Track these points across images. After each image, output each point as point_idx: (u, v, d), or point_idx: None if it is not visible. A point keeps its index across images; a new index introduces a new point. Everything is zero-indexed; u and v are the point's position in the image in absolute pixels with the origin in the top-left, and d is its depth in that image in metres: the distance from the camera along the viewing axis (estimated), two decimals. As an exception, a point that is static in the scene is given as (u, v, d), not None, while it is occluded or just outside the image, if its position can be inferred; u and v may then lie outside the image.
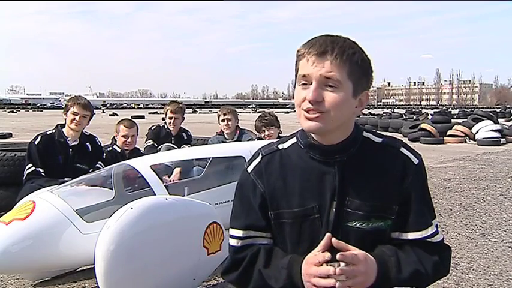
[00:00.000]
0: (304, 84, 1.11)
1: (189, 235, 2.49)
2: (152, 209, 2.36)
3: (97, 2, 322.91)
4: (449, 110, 46.12)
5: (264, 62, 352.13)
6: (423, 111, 37.99)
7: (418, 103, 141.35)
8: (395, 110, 45.86)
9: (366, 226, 1.15)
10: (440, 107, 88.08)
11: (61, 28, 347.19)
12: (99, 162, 3.65)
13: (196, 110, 57.06)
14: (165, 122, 4.75)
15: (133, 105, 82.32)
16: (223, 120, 4.29)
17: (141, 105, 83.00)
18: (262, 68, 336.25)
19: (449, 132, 14.76)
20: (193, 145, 4.82)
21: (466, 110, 44.24)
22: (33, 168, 3.42)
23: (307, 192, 1.17)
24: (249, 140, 4.21)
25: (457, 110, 48.93)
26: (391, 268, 1.13)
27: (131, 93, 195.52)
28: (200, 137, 6.06)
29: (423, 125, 15.19)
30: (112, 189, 3.02)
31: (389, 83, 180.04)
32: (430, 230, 1.18)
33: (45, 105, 73.20)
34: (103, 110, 50.62)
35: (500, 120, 20.74)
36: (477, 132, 14.26)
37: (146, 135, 4.75)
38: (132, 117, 7.28)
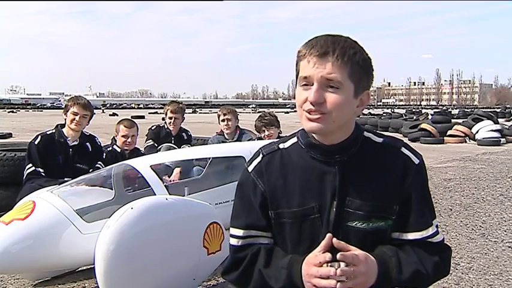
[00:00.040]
0: (305, 85, 1.11)
1: (189, 235, 2.49)
2: (152, 209, 2.36)
3: (97, 2, 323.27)
4: (449, 110, 46.13)
5: (264, 62, 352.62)
6: (423, 111, 38.00)
7: (418, 103, 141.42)
8: (395, 110, 45.89)
9: (367, 226, 1.15)
10: (440, 107, 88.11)
11: (61, 28, 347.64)
12: (99, 162, 3.65)
13: (196, 110, 57.07)
14: (165, 122, 4.75)
15: (133, 105, 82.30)
16: (223, 120, 4.29)
17: (141, 105, 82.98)
18: (262, 68, 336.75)
19: (449, 132, 14.77)
20: (193, 145, 4.82)
21: (466, 110, 44.26)
22: (33, 168, 3.42)
23: (308, 191, 1.17)
24: (249, 140, 4.21)
25: (457, 110, 48.95)
26: (392, 268, 1.13)
27: (131, 93, 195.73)
28: (200, 137, 6.07)
29: (423, 125, 15.19)
30: (112, 189, 3.02)
31: (389, 83, 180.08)
32: (430, 230, 1.18)
33: (45, 105, 73.18)
34: (103, 110, 50.62)
35: (500, 120, 20.75)
36: (477, 132, 14.27)
37: (146, 135, 4.75)
38: (132, 117, 7.29)
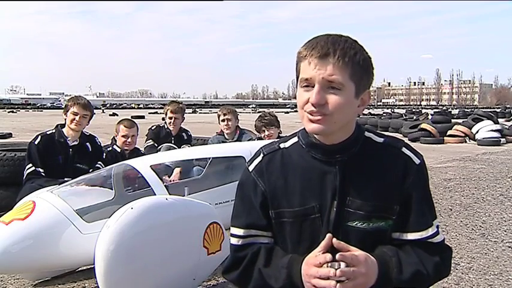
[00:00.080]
0: (306, 86, 1.11)
1: (189, 235, 2.49)
2: (152, 209, 2.36)
3: (97, 2, 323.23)
4: (449, 110, 46.14)
5: (264, 62, 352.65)
6: (423, 111, 38.01)
7: (418, 103, 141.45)
8: (395, 110, 45.90)
9: (367, 226, 1.15)
10: (440, 107, 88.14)
11: (61, 28, 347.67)
12: (99, 162, 3.65)
13: (196, 110, 57.06)
14: (165, 122, 4.75)
15: (133, 105, 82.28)
16: (223, 120, 4.29)
17: (141, 105, 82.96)
18: (262, 68, 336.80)
19: (449, 132, 14.77)
20: (193, 145, 4.82)
21: (466, 110, 44.27)
22: (33, 168, 3.42)
23: (308, 191, 1.17)
24: (249, 140, 4.21)
25: (457, 110, 48.96)
26: (392, 269, 1.13)
27: (131, 93, 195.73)
28: (200, 137, 6.07)
29: (423, 125, 15.19)
30: (112, 189, 3.02)
31: (389, 83, 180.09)
32: (430, 231, 1.18)
33: (45, 105, 73.15)
34: (103, 110, 50.61)
35: (500, 120, 20.75)
36: (477, 132, 14.27)
37: (146, 135, 4.76)
38: (132, 117, 7.29)
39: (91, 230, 2.50)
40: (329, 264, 1.06)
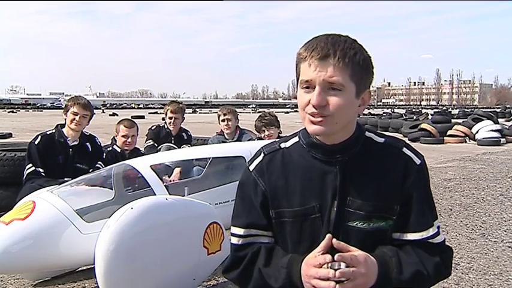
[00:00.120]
0: (307, 87, 1.11)
1: (189, 235, 2.49)
2: (152, 209, 2.36)
3: (97, 2, 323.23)
4: (449, 110, 46.15)
5: (264, 62, 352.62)
6: (423, 111, 38.00)
7: (418, 103, 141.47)
8: (395, 110, 45.89)
9: (367, 226, 1.15)
10: (440, 107, 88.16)
11: (61, 28, 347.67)
12: (99, 162, 3.65)
13: (196, 110, 57.06)
14: (165, 122, 4.75)
15: (133, 105, 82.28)
16: (223, 120, 4.29)
17: (141, 105, 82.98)
18: (262, 68, 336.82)
19: (449, 132, 14.77)
20: (193, 145, 4.82)
21: (466, 110, 44.26)
22: (33, 168, 3.42)
23: (309, 191, 1.17)
24: (249, 140, 4.21)
25: (457, 110, 48.96)
26: (392, 269, 1.12)
27: (131, 93, 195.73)
28: (200, 137, 6.07)
29: (423, 125, 15.19)
30: (112, 189, 3.02)
31: (389, 83, 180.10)
32: (431, 231, 1.18)
33: (45, 105, 73.15)
34: (103, 110, 50.61)
35: (500, 120, 20.75)
36: (477, 132, 14.27)
37: (146, 135, 4.76)
38: (132, 117, 7.29)
39: (91, 230, 2.50)
40: (329, 265, 1.06)
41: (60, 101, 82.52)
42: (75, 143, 3.59)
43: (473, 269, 3.32)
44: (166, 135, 4.66)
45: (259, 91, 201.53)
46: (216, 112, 4.69)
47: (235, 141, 4.23)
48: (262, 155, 1.25)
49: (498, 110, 39.04)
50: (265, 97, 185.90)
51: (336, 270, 1.05)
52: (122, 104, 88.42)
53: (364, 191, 1.15)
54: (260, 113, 4.52)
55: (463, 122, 16.38)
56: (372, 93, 1.23)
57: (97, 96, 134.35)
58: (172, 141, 4.57)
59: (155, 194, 2.73)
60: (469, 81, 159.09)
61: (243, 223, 1.24)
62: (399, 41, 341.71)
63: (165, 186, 2.90)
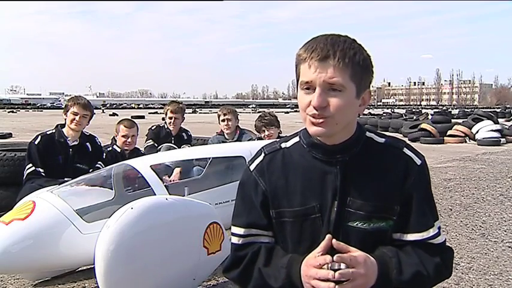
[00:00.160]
0: (307, 89, 1.11)
1: (189, 235, 2.49)
2: (152, 209, 2.36)
3: (97, 2, 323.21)
4: (449, 110, 46.15)
5: (264, 62, 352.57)
6: (423, 111, 38.00)
7: (418, 103, 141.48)
8: (395, 110, 45.88)
9: (367, 226, 1.15)
10: (440, 107, 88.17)
11: (61, 28, 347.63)
12: (99, 162, 3.65)
13: (196, 110, 57.05)
14: (165, 122, 4.75)
15: (133, 105, 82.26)
16: (223, 120, 4.29)
17: (141, 105, 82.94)
18: (262, 68, 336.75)
19: (449, 132, 14.77)
20: (193, 145, 4.82)
21: (466, 110, 44.27)
22: (33, 168, 3.42)
23: (309, 191, 1.17)
24: (249, 140, 4.21)
25: (457, 110, 48.96)
26: (392, 269, 1.12)
27: (131, 93, 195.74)
28: (200, 137, 6.07)
29: (423, 125, 15.20)
30: (112, 189, 3.02)
31: (389, 83, 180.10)
32: (431, 232, 1.18)
33: (45, 105, 73.14)
34: (103, 110, 50.61)
35: (500, 120, 20.75)
36: (477, 132, 14.28)
37: (146, 135, 4.75)
38: (132, 117, 7.29)
39: (91, 230, 2.50)
40: (328, 266, 1.06)
41: (60, 101, 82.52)
42: (75, 143, 3.59)
43: (473, 269, 3.32)
44: (166, 135, 4.66)
45: (259, 91, 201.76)
46: (216, 112, 4.69)
47: (235, 141, 4.23)
48: (262, 155, 1.25)
49: (498, 110, 39.05)
50: (265, 97, 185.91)
51: (335, 271, 1.05)
52: (121, 104, 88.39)
53: (365, 191, 1.15)
54: (260, 113, 4.52)
55: (463, 122, 16.38)
56: (372, 93, 1.23)
57: (97, 96, 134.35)
58: (172, 141, 4.57)
59: (155, 194, 2.73)
60: (469, 81, 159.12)
61: (243, 223, 1.24)
62: (399, 41, 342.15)
63: (165, 186, 2.90)
